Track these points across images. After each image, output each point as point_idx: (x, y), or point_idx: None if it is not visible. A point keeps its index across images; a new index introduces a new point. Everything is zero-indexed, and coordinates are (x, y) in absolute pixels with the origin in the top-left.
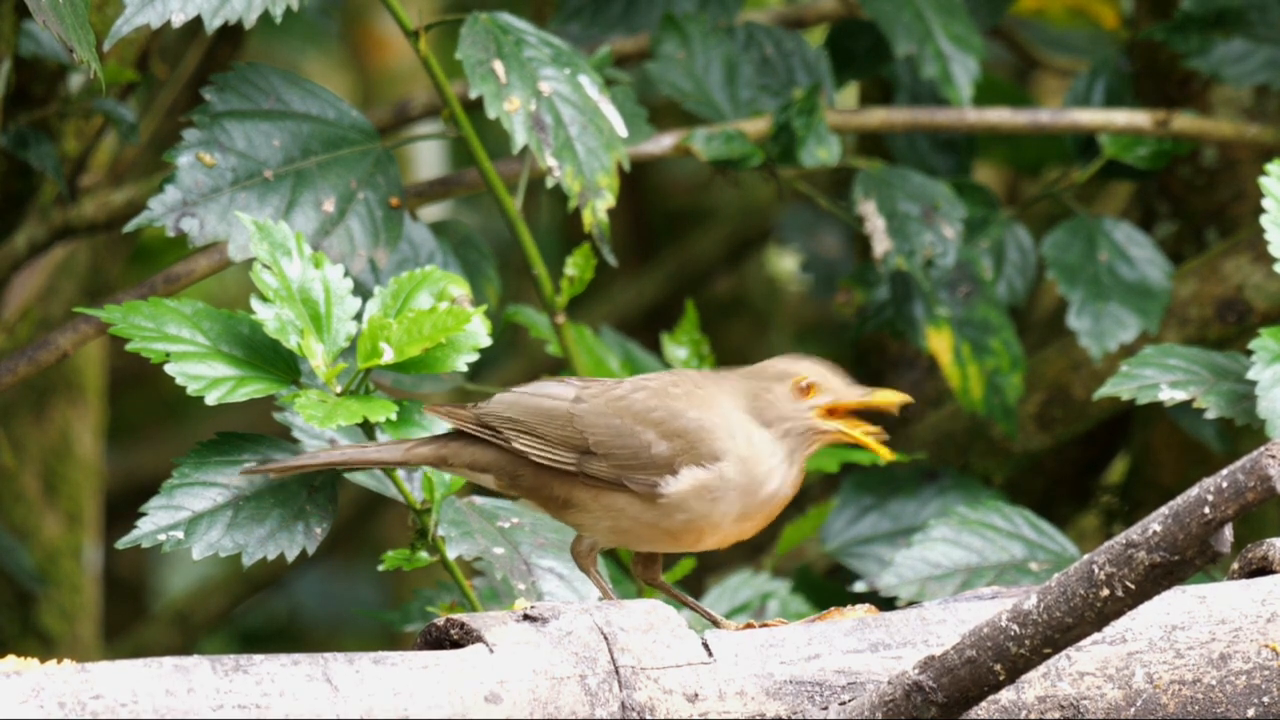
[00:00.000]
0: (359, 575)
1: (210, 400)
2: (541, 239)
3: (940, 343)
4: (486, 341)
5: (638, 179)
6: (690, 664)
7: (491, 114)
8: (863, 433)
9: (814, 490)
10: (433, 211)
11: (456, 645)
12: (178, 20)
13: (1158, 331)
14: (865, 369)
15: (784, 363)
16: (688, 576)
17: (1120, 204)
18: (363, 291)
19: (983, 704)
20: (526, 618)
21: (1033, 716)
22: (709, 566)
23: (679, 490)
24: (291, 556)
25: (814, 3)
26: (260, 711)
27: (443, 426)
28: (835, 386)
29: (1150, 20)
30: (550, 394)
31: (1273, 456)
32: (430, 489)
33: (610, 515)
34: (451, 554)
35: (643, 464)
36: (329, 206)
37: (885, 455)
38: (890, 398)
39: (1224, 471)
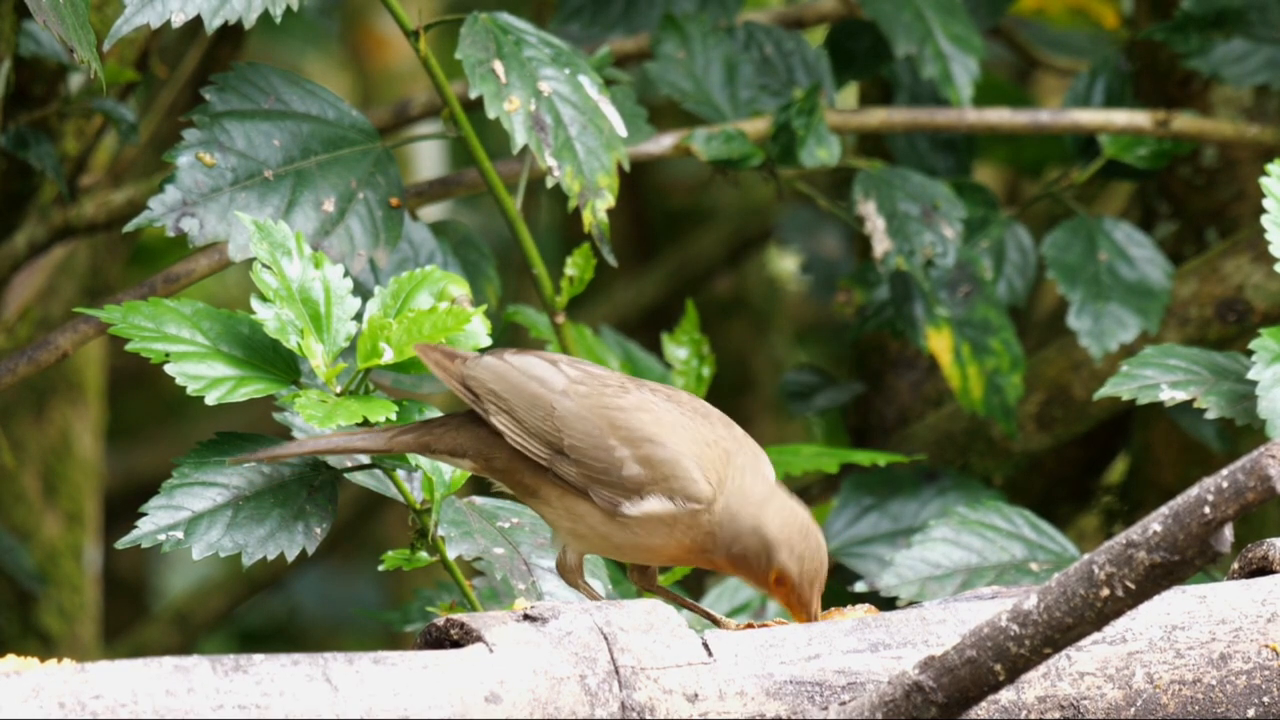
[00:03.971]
0: (359, 575)
1: (210, 400)
2: (541, 239)
3: (940, 343)
4: (486, 341)
5: (638, 179)
6: (690, 664)
7: (491, 114)
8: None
9: (814, 490)
10: (433, 211)
11: (456, 645)
12: (178, 20)
13: (1158, 331)
14: (865, 369)
15: (784, 553)
16: (687, 576)
17: (1120, 204)
18: (363, 291)
19: (983, 704)
20: (526, 618)
21: (1033, 716)
22: None
23: (638, 514)
24: (291, 556)
25: (814, 3)
26: (260, 711)
27: (431, 412)
28: (802, 595)
29: (1150, 20)
30: (539, 377)
31: (1273, 456)
32: (430, 489)
33: (570, 518)
34: (451, 554)
35: (611, 481)
36: (329, 206)
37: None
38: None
39: (1224, 471)
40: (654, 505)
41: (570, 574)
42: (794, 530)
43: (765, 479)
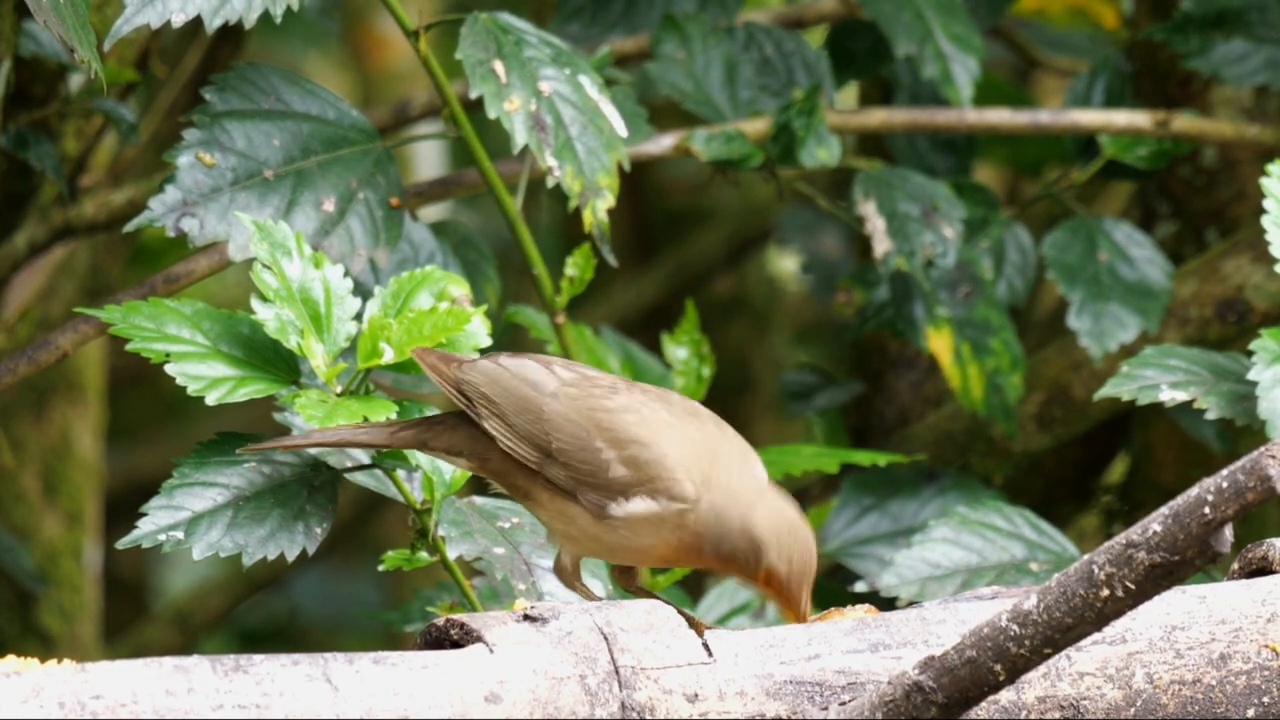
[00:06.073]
0: (359, 575)
1: (210, 400)
2: (541, 239)
3: (940, 343)
4: (487, 341)
5: (638, 179)
6: (690, 664)
7: (491, 114)
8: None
9: (814, 490)
10: (433, 211)
11: (456, 645)
12: (178, 20)
13: (1158, 331)
14: (865, 369)
15: (773, 553)
16: (687, 577)
17: (1120, 204)
18: (363, 291)
19: (983, 704)
20: (526, 618)
21: (1033, 717)
22: None
23: (624, 515)
24: (291, 556)
25: (814, 3)
26: (260, 711)
27: (431, 412)
28: (791, 594)
29: (1150, 20)
30: (531, 380)
31: (1273, 457)
32: (430, 489)
33: (562, 520)
34: (451, 554)
35: (598, 484)
36: (329, 206)
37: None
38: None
39: (1224, 472)
40: (639, 506)
41: (567, 576)
42: (782, 529)
43: (754, 478)
